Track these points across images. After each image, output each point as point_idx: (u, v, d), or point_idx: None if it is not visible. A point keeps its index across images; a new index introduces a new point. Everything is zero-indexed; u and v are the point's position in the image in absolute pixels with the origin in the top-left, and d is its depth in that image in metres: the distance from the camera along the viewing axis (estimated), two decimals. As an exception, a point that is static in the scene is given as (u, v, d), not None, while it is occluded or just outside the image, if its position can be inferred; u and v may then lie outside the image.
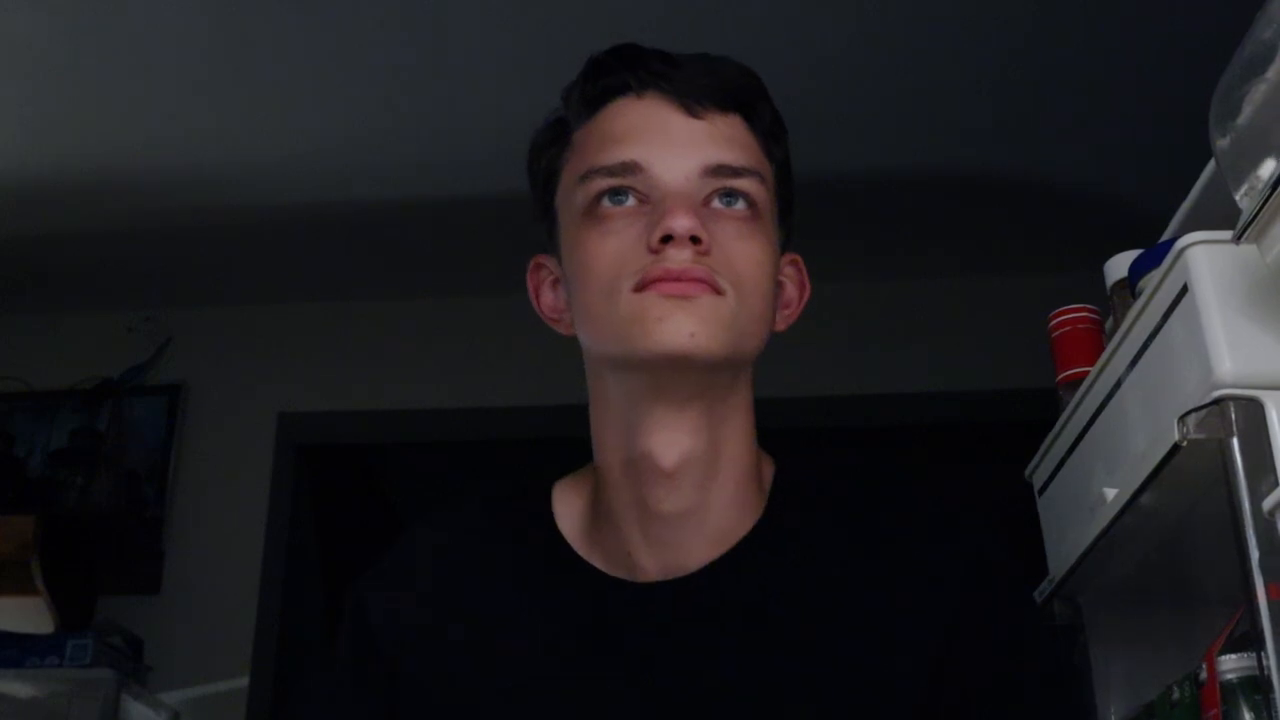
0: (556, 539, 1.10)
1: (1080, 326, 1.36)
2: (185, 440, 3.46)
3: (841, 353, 3.34)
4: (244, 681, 3.17)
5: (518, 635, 1.06)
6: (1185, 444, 1.03)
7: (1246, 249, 1.00)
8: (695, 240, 0.99)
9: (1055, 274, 2.77)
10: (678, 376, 1.00)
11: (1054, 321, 1.38)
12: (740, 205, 1.04)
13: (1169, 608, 1.35)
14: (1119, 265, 1.30)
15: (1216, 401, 1.03)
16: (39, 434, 3.40)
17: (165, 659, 3.12)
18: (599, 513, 1.09)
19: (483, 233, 3.24)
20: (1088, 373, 1.30)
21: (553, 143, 1.14)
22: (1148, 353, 1.16)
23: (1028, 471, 1.45)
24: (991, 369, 3.26)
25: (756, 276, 1.03)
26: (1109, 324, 1.35)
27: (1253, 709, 1.01)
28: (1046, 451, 1.41)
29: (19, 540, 2.98)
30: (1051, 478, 1.40)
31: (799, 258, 1.13)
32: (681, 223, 0.99)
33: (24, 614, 3.03)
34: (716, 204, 1.03)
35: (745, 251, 1.02)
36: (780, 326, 1.10)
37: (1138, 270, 1.22)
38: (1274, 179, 0.90)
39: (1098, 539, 1.22)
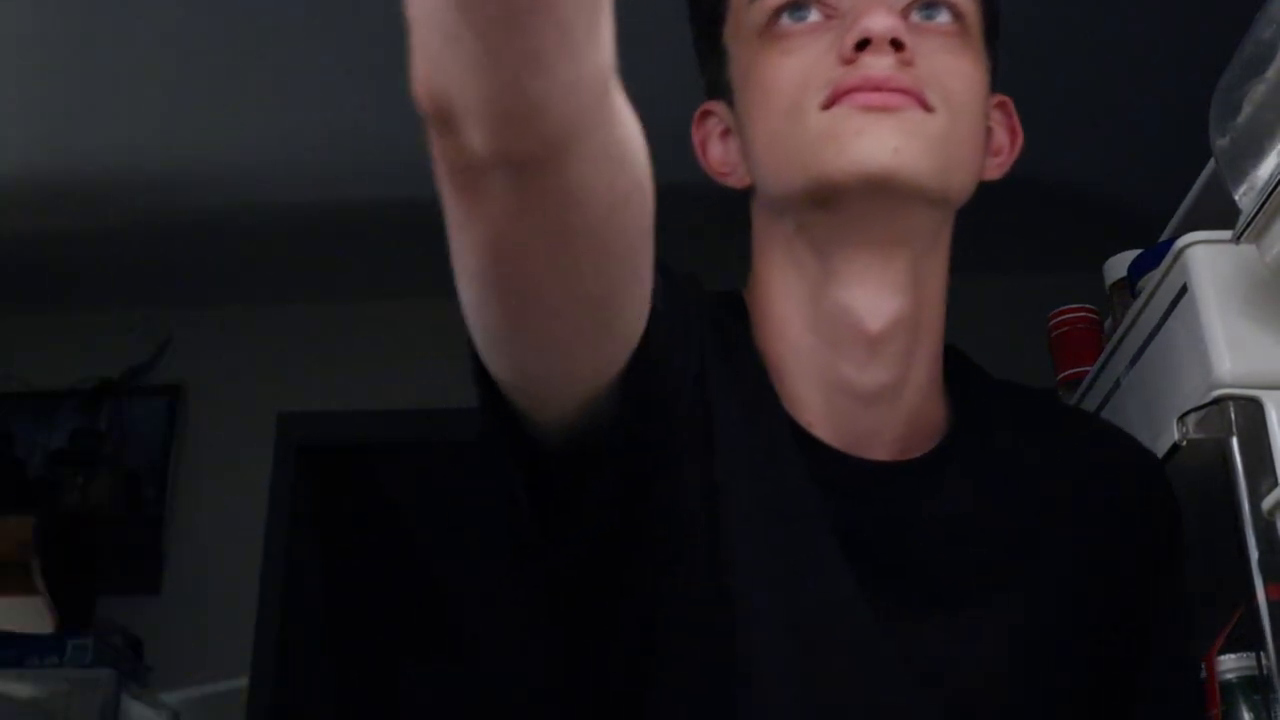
0: (763, 372, 0.92)
1: (1080, 326, 1.36)
2: (185, 440, 3.46)
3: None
4: (244, 681, 3.17)
5: (738, 445, 0.88)
6: (1185, 444, 1.03)
7: (1246, 249, 1.01)
8: (897, 45, 0.83)
9: (1055, 274, 2.77)
10: (880, 209, 0.84)
11: (1053, 321, 1.38)
12: (945, 18, 0.88)
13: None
14: (1119, 265, 1.30)
15: (1216, 401, 1.03)
16: (39, 434, 3.40)
17: (165, 659, 3.12)
18: (785, 376, 0.92)
19: (483, 233, 3.24)
20: (1087, 372, 1.30)
21: None
22: (1147, 352, 1.16)
23: None
24: (992, 368, 3.26)
25: (968, 96, 0.88)
26: (1108, 324, 1.35)
27: (1252, 709, 1.01)
28: None
29: (19, 540, 2.99)
30: None
31: (1008, 99, 0.98)
32: (881, 22, 0.83)
33: (24, 614, 3.03)
34: (915, 17, 0.88)
35: (955, 67, 0.87)
36: (993, 174, 0.96)
37: (1137, 270, 1.22)
38: (1273, 179, 0.90)
39: None
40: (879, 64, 0.84)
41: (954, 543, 0.92)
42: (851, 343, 0.88)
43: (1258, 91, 0.96)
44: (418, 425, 3.45)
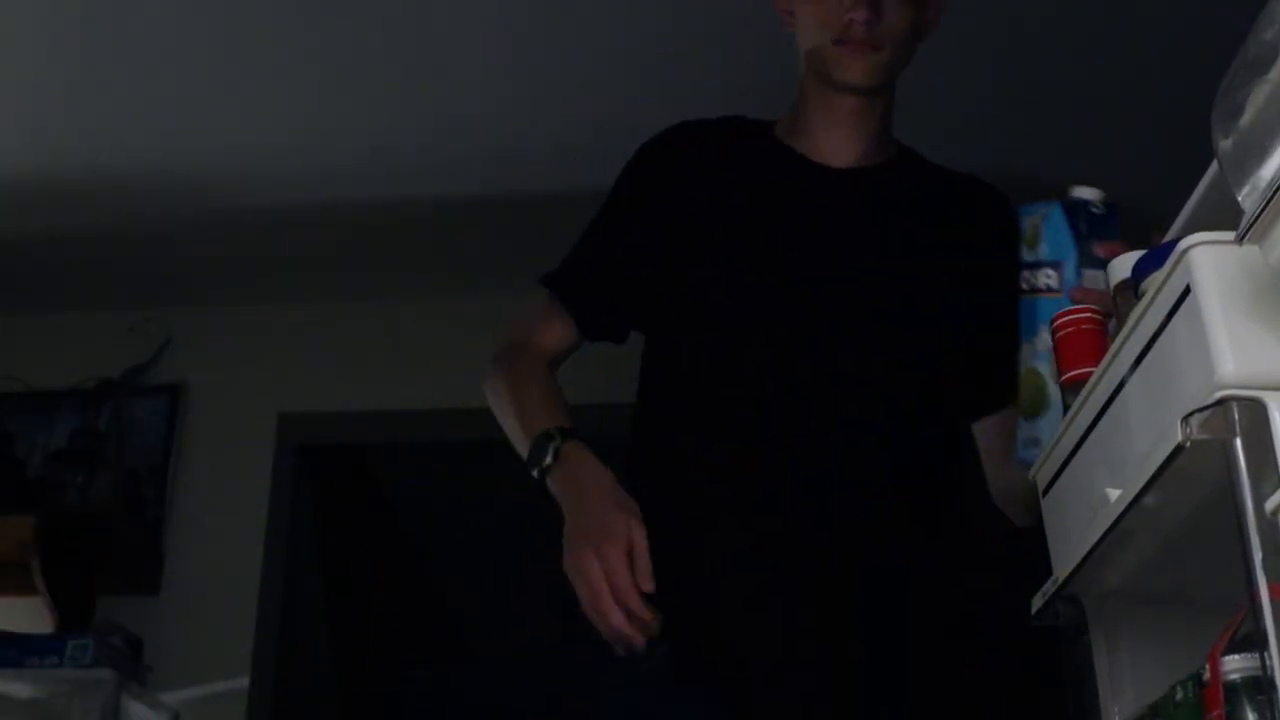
0: (772, 138, 1.73)
1: (1084, 327, 1.35)
2: (185, 440, 3.46)
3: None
4: (244, 681, 3.17)
5: (742, 189, 1.68)
6: (1189, 444, 1.02)
7: (1249, 250, 1.00)
8: (871, 16, 1.59)
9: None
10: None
11: (1057, 322, 1.37)
12: None
13: (1172, 609, 1.35)
14: (1123, 265, 1.30)
15: (1220, 402, 1.02)
16: (39, 434, 3.40)
17: (165, 659, 3.12)
18: (800, 127, 1.71)
19: (483, 233, 3.25)
20: (1091, 373, 1.30)
21: None
22: (1151, 354, 1.16)
23: (1031, 472, 1.46)
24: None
25: (907, 33, 1.64)
26: (1112, 324, 1.35)
27: (1256, 709, 1.01)
28: (1050, 452, 1.41)
29: (19, 540, 2.99)
30: (1055, 478, 1.39)
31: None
32: (861, 15, 1.59)
33: (24, 614, 3.03)
34: None
35: (900, 16, 1.62)
36: (928, 35, 1.71)
37: (1141, 271, 1.22)
38: (1276, 179, 0.90)
39: (1101, 539, 1.22)
40: (858, 29, 1.61)
41: (877, 219, 1.66)
42: (834, 109, 1.69)
43: (1260, 92, 0.96)
44: (418, 425, 3.45)
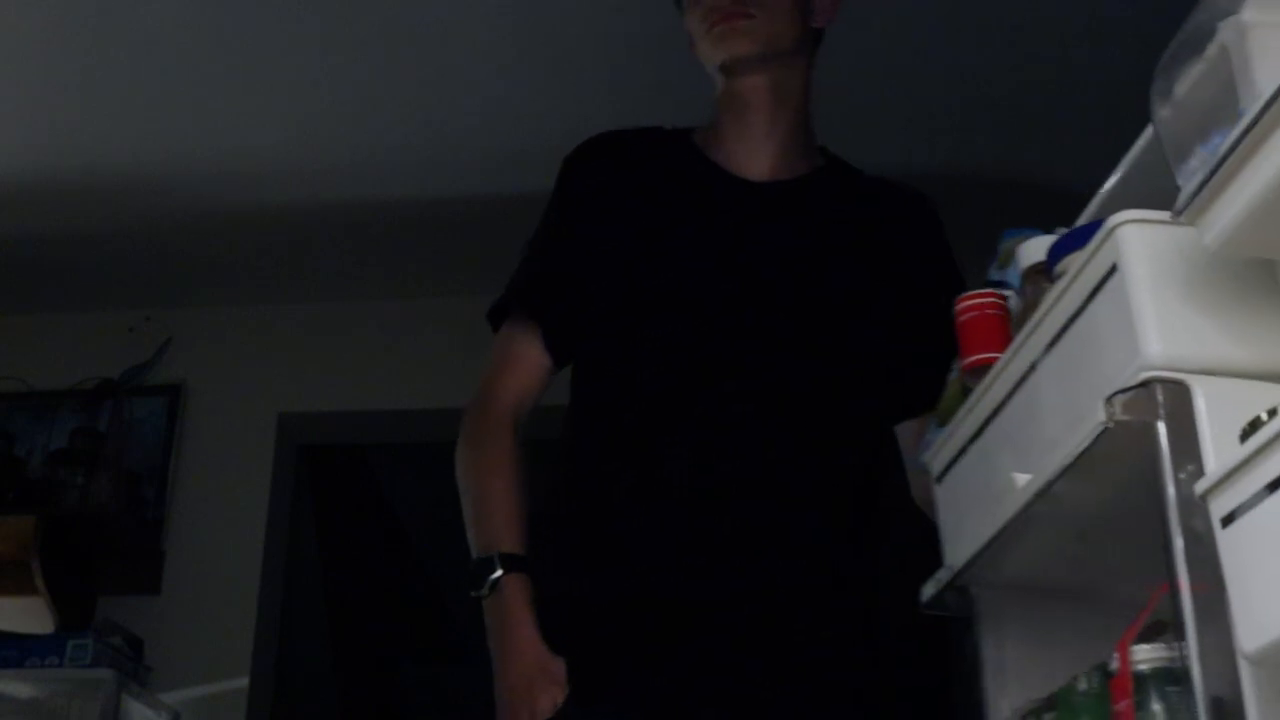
0: (692, 147, 1.73)
1: (988, 312, 1.31)
2: (185, 440, 3.46)
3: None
4: (244, 681, 3.17)
5: (663, 200, 1.69)
6: (1112, 425, 1.00)
7: (1178, 230, 0.99)
8: None
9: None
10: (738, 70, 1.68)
11: (961, 305, 1.33)
12: None
13: (1072, 599, 1.32)
14: (1033, 250, 1.26)
15: (1144, 384, 1.00)
16: (39, 434, 3.40)
17: (165, 659, 3.12)
18: (715, 137, 1.72)
19: (482, 232, 3.24)
20: (995, 358, 1.27)
21: None
22: (1068, 334, 1.13)
23: (925, 457, 1.42)
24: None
25: (782, 4, 1.66)
26: (1017, 309, 1.32)
27: (1164, 700, 0.99)
28: (949, 437, 1.37)
29: (19, 540, 2.98)
30: (952, 464, 1.36)
31: None
32: None
33: (24, 614, 3.03)
34: None
35: None
36: (821, 21, 1.72)
37: (1059, 252, 1.19)
38: (1219, 157, 0.89)
39: (1006, 525, 1.18)
40: (719, 2, 1.64)
41: (800, 230, 1.68)
42: (741, 111, 1.70)
43: (1196, 70, 0.95)
44: (418, 425, 3.45)
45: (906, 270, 1.63)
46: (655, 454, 1.56)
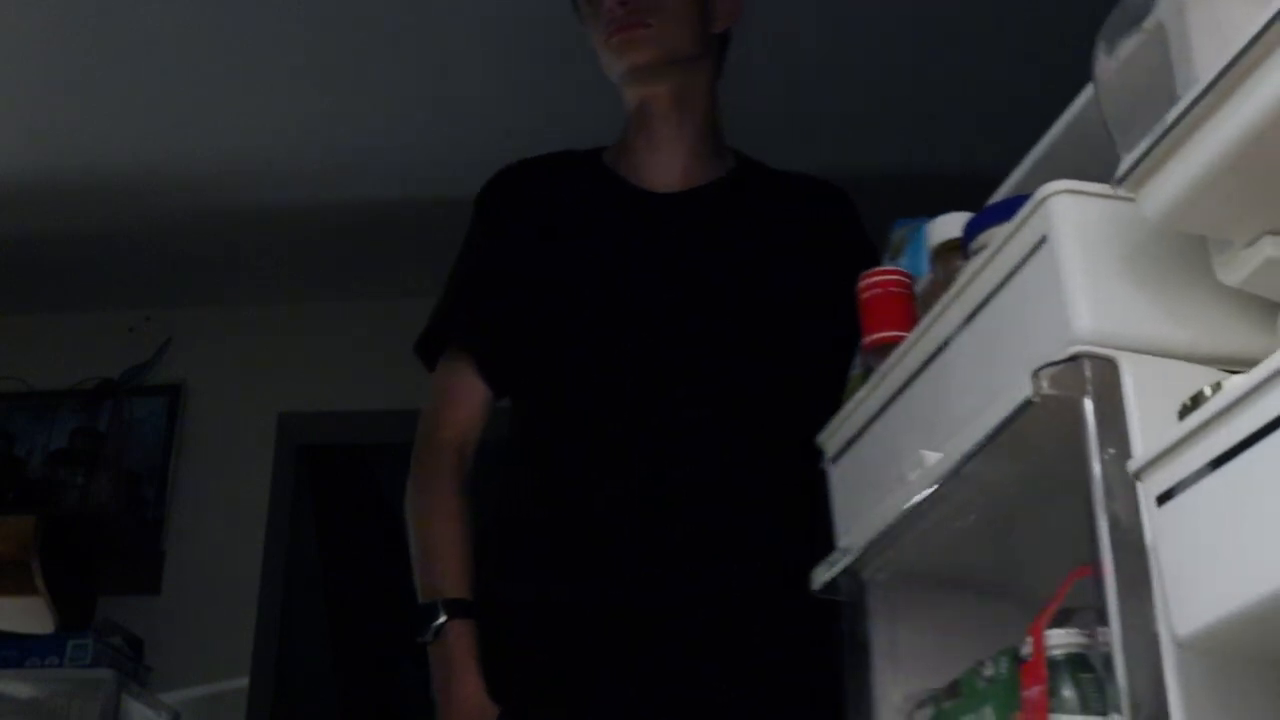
0: (601, 166, 1.74)
1: (892, 290, 1.28)
2: (185, 440, 3.45)
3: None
4: (244, 681, 3.17)
5: (580, 216, 1.70)
6: (1038, 399, 0.96)
7: (1112, 204, 0.98)
8: (624, 2, 1.63)
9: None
10: (638, 79, 1.68)
11: (865, 282, 1.30)
12: None
13: (972, 589, 1.29)
14: (944, 227, 1.23)
15: (1073, 358, 0.96)
16: (39, 434, 3.40)
17: (165, 659, 3.12)
18: (624, 150, 1.73)
19: (483, 233, 3.24)
20: (899, 337, 1.23)
21: None
22: (989, 309, 1.09)
23: (820, 438, 1.38)
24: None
25: (676, 7, 1.65)
26: (920, 287, 1.29)
27: (1077, 687, 0.96)
28: (847, 417, 1.33)
29: (19, 540, 2.98)
30: (849, 445, 1.32)
31: None
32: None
33: (24, 614, 3.03)
34: None
35: None
36: (721, 26, 1.72)
37: (977, 228, 1.15)
38: (1167, 126, 0.87)
39: (911, 507, 1.14)
40: (615, 10, 1.63)
41: (711, 239, 1.67)
42: (647, 120, 1.71)
43: (1134, 41, 0.94)
44: (417, 425, 3.45)
45: (834, 264, 1.58)
46: (609, 465, 1.56)
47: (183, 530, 3.34)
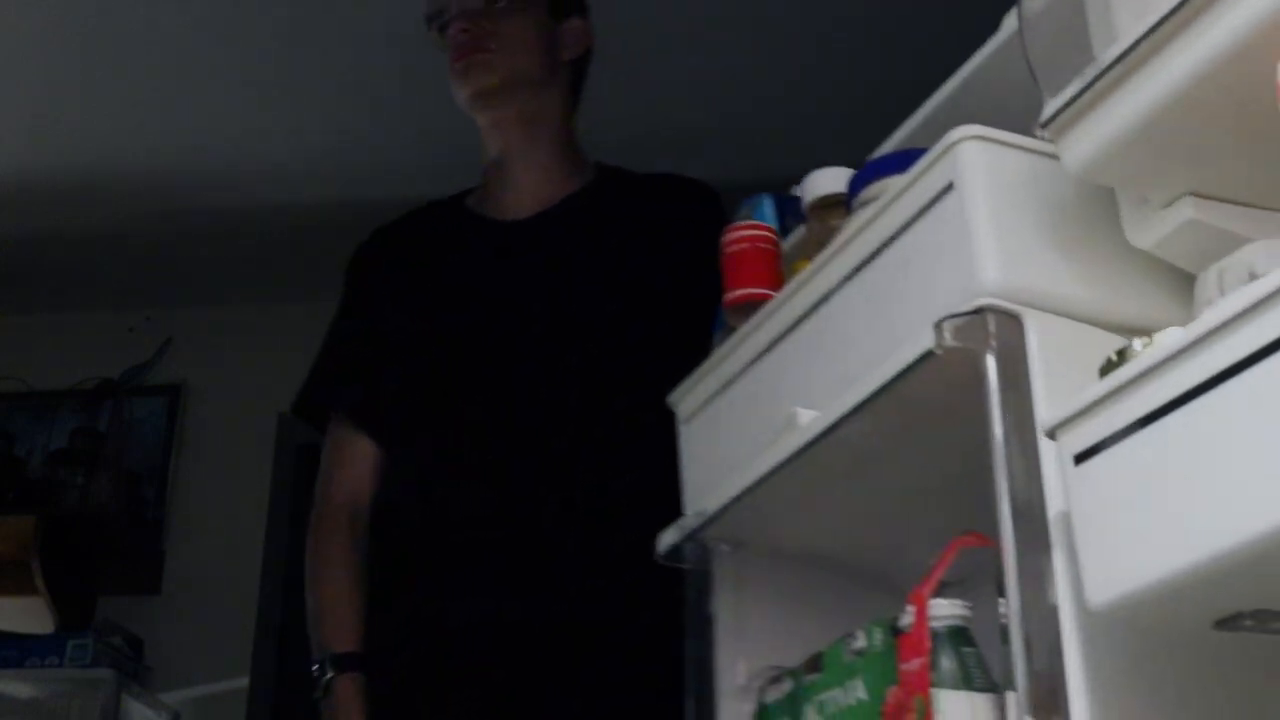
0: (463, 208, 1.78)
1: (760, 245, 1.21)
2: (185, 440, 3.46)
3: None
4: (244, 681, 3.17)
5: (438, 263, 1.74)
6: (940, 351, 0.90)
7: (1023, 155, 0.93)
8: (465, 29, 1.69)
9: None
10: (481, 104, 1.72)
11: (730, 236, 1.23)
12: (504, 3, 1.70)
13: (829, 564, 1.22)
14: (821, 182, 1.17)
15: (977, 311, 0.90)
16: (39, 434, 3.40)
17: (165, 659, 3.12)
18: (484, 186, 1.78)
19: (483, 233, 3.24)
20: (765, 294, 1.16)
21: None
22: (879, 261, 1.02)
23: (672, 399, 1.31)
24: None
25: (518, 35, 1.69)
26: (789, 246, 1.23)
27: (959, 660, 0.92)
28: (702, 377, 1.26)
29: (19, 540, 2.99)
30: (705, 405, 1.25)
31: (583, 23, 1.80)
32: (455, 25, 1.71)
33: (24, 614, 3.03)
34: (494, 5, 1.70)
35: (508, 24, 1.69)
36: (568, 55, 1.76)
37: (867, 177, 1.09)
38: (1097, 73, 0.83)
39: (776, 466, 1.07)
40: (458, 37, 1.70)
41: (563, 262, 1.68)
42: (497, 145, 1.75)
43: None
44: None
45: (689, 261, 1.52)
46: (503, 499, 1.56)
47: (183, 530, 3.34)
